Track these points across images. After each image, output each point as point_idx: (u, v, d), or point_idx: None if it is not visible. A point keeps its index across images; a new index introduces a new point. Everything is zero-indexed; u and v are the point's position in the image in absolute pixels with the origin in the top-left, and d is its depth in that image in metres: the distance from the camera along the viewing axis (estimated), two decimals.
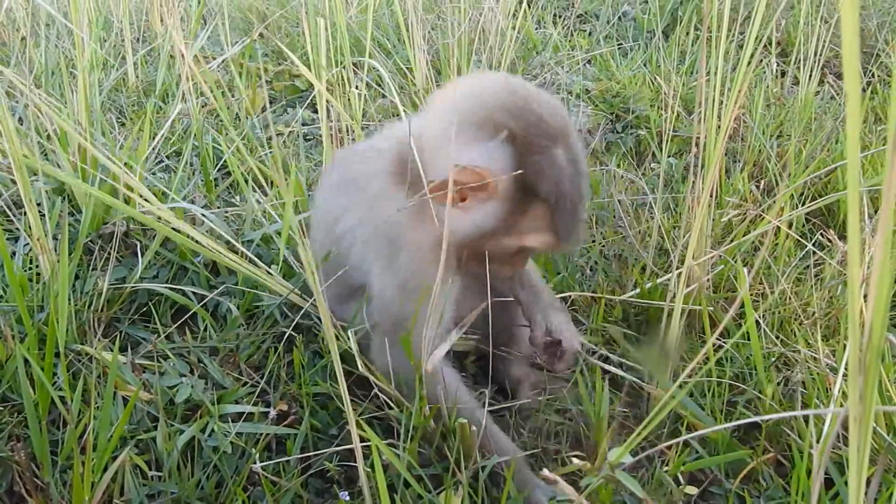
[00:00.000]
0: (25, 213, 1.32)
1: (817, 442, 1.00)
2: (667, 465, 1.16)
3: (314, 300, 1.36)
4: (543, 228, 1.08)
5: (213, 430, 1.16)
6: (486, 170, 1.02)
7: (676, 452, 1.17)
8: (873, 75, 2.57)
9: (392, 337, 1.15)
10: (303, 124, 2.31)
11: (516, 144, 1.02)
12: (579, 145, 1.08)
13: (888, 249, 0.50)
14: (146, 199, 1.36)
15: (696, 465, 1.12)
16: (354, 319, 1.24)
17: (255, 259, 1.44)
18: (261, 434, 1.17)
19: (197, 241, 1.36)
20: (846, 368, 1.02)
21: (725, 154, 2.11)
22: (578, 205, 1.07)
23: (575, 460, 0.84)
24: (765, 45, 2.72)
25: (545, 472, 0.78)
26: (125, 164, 1.56)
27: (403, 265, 1.14)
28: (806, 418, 1.17)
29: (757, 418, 0.76)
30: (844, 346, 1.14)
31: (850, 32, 0.45)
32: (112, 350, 1.29)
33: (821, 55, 2.31)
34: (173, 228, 1.35)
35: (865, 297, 0.62)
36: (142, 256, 1.46)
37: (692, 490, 1.06)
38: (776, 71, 2.67)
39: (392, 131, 1.24)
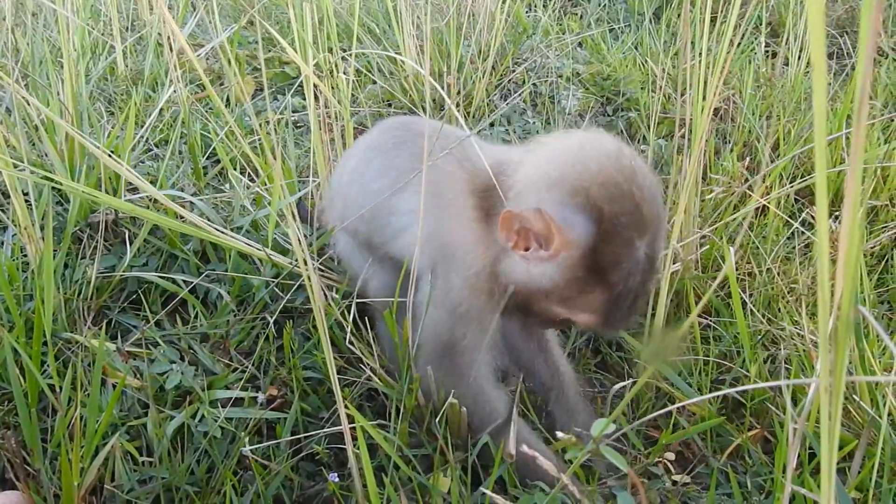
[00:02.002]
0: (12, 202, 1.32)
1: (799, 416, 1.01)
2: (653, 444, 1.17)
3: (301, 282, 1.36)
4: (595, 311, 1.05)
5: (203, 416, 1.17)
6: (559, 229, 0.98)
7: (665, 432, 1.17)
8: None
9: (436, 361, 1.13)
10: (293, 111, 2.31)
11: (601, 227, 0.97)
12: (663, 238, 1.04)
13: (856, 225, 0.50)
14: (135, 186, 1.36)
15: (679, 437, 1.12)
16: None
17: (248, 241, 1.45)
18: (251, 419, 1.18)
19: (188, 223, 1.36)
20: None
21: (715, 135, 2.12)
22: (638, 301, 1.04)
23: (559, 434, 0.84)
24: (755, 26, 2.71)
25: (524, 447, 0.79)
26: (112, 152, 1.56)
27: (454, 286, 1.11)
28: (794, 395, 1.18)
29: (733, 390, 0.76)
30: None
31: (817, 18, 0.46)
32: (102, 338, 1.29)
33: (809, 35, 2.30)
34: (166, 214, 1.35)
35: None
36: (130, 245, 1.46)
37: (670, 456, 1.06)
38: (767, 52, 2.67)
39: (496, 150, 1.19)
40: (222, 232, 1.42)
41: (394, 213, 1.21)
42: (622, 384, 1.17)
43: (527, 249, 1.03)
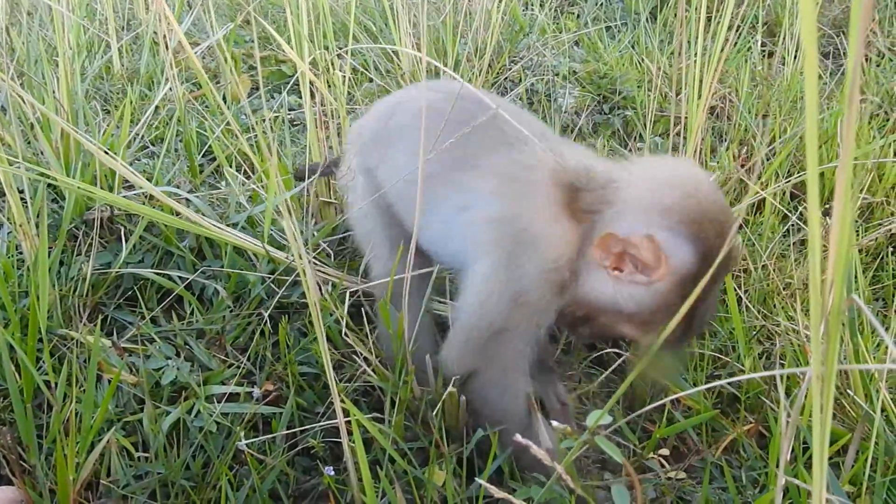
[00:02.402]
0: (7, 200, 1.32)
1: (792, 407, 1.01)
2: (649, 438, 1.17)
3: (295, 276, 1.36)
4: (658, 331, 1.02)
5: (199, 411, 1.17)
6: (667, 258, 0.97)
7: (659, 426, 1.18)
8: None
9: (476, 346, 1.10)
10: (289, 109, 2.31)
11: (702, 260, 0.97)
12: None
13: (847, 217, 0.50)
14: (131, 184, 1.36)
15: (674, 430, 1.13)
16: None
17: (244, 237, 1.45)
18: (247, 414, 1.18)
19: (184, 219, 1.36)
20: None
21: (712, 133, 2.12)
22: (700, 329, 1.07)
23: (554, 423, 0.84)
24: (752, 25, 2.72)
25: (517, 437, 0.79)
26: (108, 149, 1.56)
27: (526, 274, 1.06)
28: (788, 389, 1.18)
29: (726, 381, 0.76)
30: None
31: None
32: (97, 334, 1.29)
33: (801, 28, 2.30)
34: (162, 211, 1.35)
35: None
36: (126, 242, 1.46)
37: (665, 452, 1.06)
38: (764, 51, 2.67)
39: (575, 150, 1.16)
40: (218, 228, 1.42)
41: (454, 187, 1.15)
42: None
43: (620, 270, 1.01)
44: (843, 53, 2.80)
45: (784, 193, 1.78)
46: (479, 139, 1.13)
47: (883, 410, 1.11)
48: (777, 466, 0.96)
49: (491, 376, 1.10)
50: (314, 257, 1.46)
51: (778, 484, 0.65)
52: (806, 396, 0.85)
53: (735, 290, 1.30)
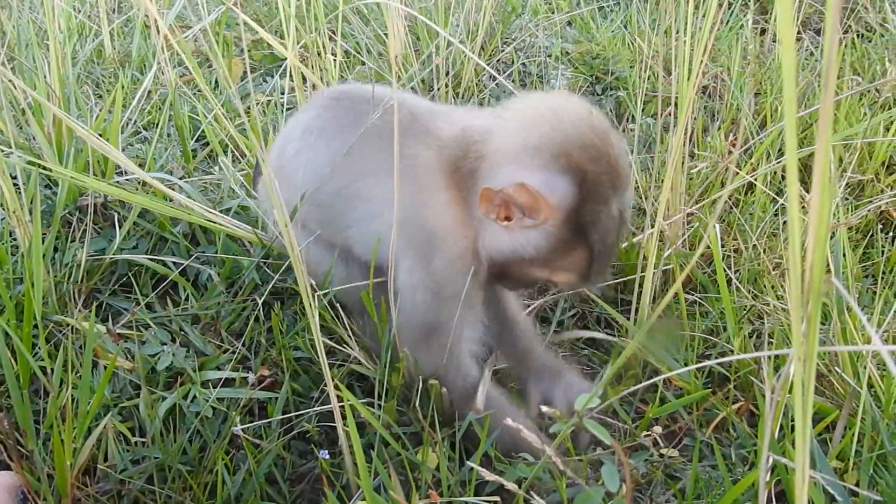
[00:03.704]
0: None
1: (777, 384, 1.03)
2: (642, 417, 1.18)
3: (289, 262, 1.37)
4: (576, 270, 1.08)
5: (195, 397, 1.18)
6: (545, 198, 0.99)
7: (652, 406, 1.19)
8: (850, 29, 2.57)
9: (420, 343, 1.14)
10: (282, 93, 2.30)
11: (584, 188, 0.99)
12: (631, 193, 1.07)
13: (826, 197, 0.51)
14: (123, 170, 1.36)
15: (665, 410, 1.14)
16: (326, 279, 1.26)
17: (236, 222, 1.45)
18: (242, 399, 1.19)
19: (177, 205, 1.37)
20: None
21: (703, 113, 2.12)
22: (613, 254, 1.08)
23: (544, 408, 0.85)
24: (743, 3, 2.71)
25: (508, 421, 0.80)
26: (100, 135, 1.56)
27: (438, 270, 1.10)
28: (777, 367, 1.20)
29: (715, 361, 0.78)
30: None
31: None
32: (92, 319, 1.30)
33: (799, 11, 2.30)
34: (155, 196, 1.36)
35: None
36: (120, 228, 1.46)
37: (658, 430, 1.08)
38: (756, 28, 2.67)
39: (457, 116, 1.17)
40: (211, 214, 1.42)
41: (360, 199, 1.18)
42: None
43: (508, 219, 1.04)
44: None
45: (775, 174, 1.79)
46: (369, 141, 1.15)
47: (870, 386, 1.13)
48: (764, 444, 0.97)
49: (441, 368, 1.13)
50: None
51: (762, 461, 0.67)
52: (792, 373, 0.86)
53: (725, 270, 1.31)
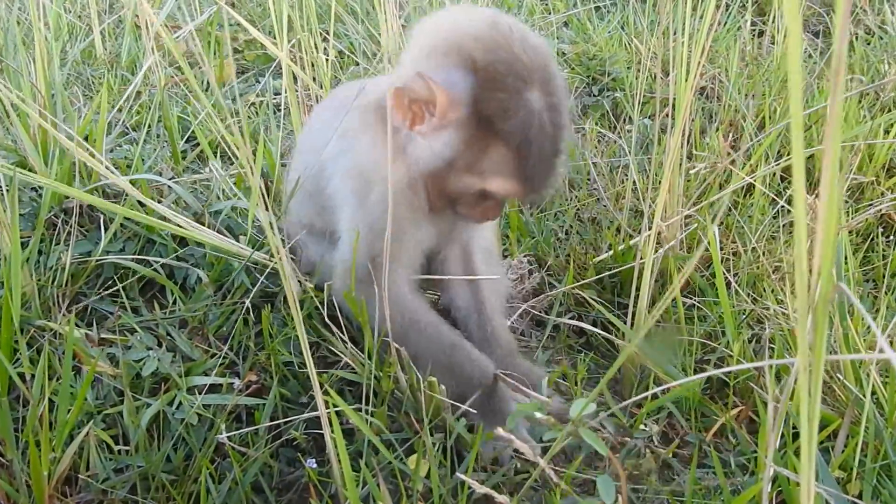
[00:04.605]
0: None
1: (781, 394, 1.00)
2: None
3: (277, 262, 1.34)
4: (507, 173, 1.06)
5: (180, 403, 1.15)
6: (444, 90, 1.01)
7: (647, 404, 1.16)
8: (849, 31, 2.55)
9: (359, 279, 1.15)
10: (274, 93, 2.27)
11: (479, 76, 1.00)
12: (562, 96, 1.04)
13: (833, 199, 0.48)
14: (104, 176, 1.33)
15: (660, 403, 1.11)
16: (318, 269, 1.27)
17: (223, 231, 1.42)
18: (229, 405, 1.16)
19: (158, 216, 1.34)
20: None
21: (701, 114, 2.10)
22: (549, 154, 1.04)
23: (538, 414, 0.82)
24: (742, 4, 2.69)
25: (499, 430, 0.77)
26: (87, 137, 1.53)
27: (374, 203, 1.13)
28: (778, 374, 1.17)
29: (719, 371, 0.75)
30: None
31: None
32: (76, 325, 1.27)
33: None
34: (139, 203, 1.33)
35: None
36: (106, 230, 1.43)
37: (655, 428, 1.05)
38: (754, 30, 2.65)
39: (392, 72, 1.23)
40: (200, 217, 1.39)
41: (327, 174, 1.23)
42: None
43: (420, 124, 1.06)
44: (833, 32, 2.77)
45: (774, 175, 1.76)
46: (333, 122, 1.22)
47: (873, 394, 1.10)
48: (766, 455, 0.94)
49: (377, 302, 1.12)
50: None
51: (766, 474, 0.64)
52: (795, 384, 0.83)
53: (724, 274, 1.28)
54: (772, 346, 1.23)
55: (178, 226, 1.34)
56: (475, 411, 1.09)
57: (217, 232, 1.45)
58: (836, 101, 0.44)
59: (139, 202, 1.37)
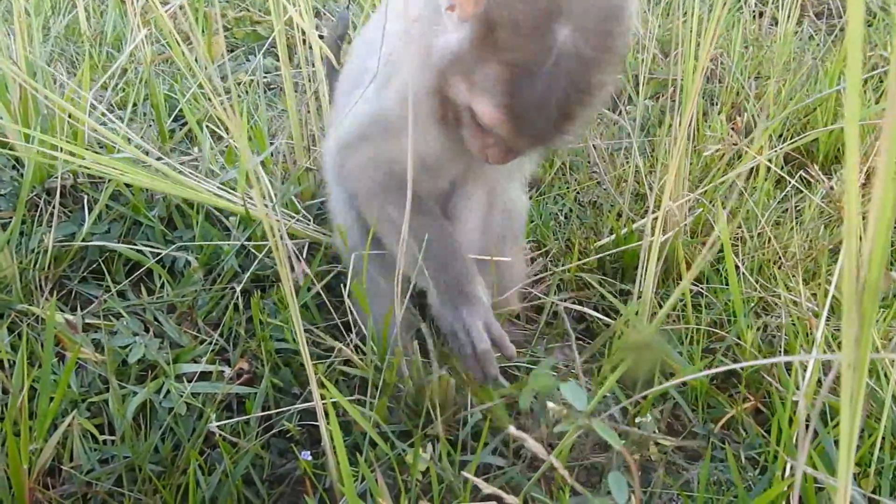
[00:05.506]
0: None
1: (797, 389, 0.96)
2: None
3: (273, 243, 1.29)
4: (495, 98, 0.89)
5: (168, 391, 1.10)
6: None
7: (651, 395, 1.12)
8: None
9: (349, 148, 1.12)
10: (265, 72, 2.22)
11: None
12: (603, 46, 0.86)
13: (890, 180, 0.44)
14: (94, 150, 1.28)
15: (660, 390, 1.07)
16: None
17: (220, 192, 1.37)
18: (219, 394, 1.11)
19: (159, 178, 1.29)
20: (829, 312, 0.97)
21: (703, 96, 2.05)
22: (554, 104, 0.86)
23: (550, 404, 0.77)
24: None
25: (512, 429, 0.73)
26: (69, 116, 1.47)
27: (391, 96, 1.04)
28: (788, 365, 1.13)
29: (737, 365, 0.71)
30: (826, 290, 1.09)
31: None
32: (59, 309, 1.22)
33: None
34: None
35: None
36: (91, 211, 1.37)
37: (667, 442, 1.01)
38: (755, 11, 2.60)
39: None
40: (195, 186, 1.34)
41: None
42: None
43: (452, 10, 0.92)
44: (836, 13, 2.73)
45: (777, 158, 1.72)
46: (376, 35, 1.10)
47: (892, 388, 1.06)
48: (778, 446, 0.91)
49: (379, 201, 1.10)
50: (294, 217, 1.38)
51: (797, 478, 0.60)
52: (818, 382, 0.79)
53: (733, 258, 1.24)
54: (784, 336, 1.19)
55: (179, 183, 1.28)
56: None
57: (206, 216, 1.40)
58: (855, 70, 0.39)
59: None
